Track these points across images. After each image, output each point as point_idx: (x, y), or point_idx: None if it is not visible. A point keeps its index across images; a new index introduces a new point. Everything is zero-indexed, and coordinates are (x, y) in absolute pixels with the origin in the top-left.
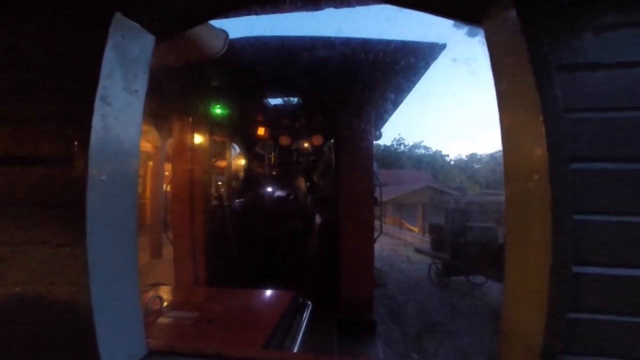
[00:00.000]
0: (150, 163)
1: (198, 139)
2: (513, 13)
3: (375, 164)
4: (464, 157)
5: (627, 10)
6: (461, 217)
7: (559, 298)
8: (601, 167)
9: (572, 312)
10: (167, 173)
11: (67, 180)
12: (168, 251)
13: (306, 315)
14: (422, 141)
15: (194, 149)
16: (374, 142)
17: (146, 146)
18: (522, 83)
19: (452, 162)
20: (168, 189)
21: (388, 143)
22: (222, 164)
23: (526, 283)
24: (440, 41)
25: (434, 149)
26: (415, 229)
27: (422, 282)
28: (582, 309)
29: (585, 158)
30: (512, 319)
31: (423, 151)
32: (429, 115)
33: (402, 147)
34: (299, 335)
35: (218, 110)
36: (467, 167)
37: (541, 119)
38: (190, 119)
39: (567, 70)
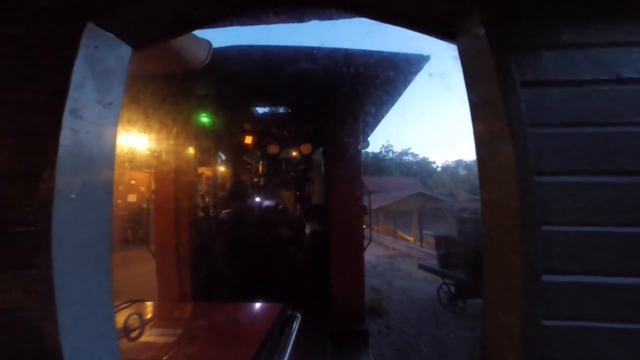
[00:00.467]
0: None
1: (182, 147)
2: (482, 29)
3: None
4: (450, 164)
5: (583, 30)
6: (474, 228)
7: (533, 306)
8: (564, 181)
9: (545, 319)
10: (133, 182)
11: (33, 199)
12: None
13: (295, 327)
14: (410, 148)
15: (178, 158)
16: (362, 150)
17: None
18: (491, 97)
19: (439, 169)
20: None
21: (377, 150)
22: (207, 172)
23: (503, 291)
24: (424, 53)
25: (421, 156)
26: (410, 238)
27: (430, 306)
28: (555, 317)
29: (549, 172)
30: (491, 326)
31: (411, 158)
32: (412, 124)
33: (390, 154)
34: (287, 349)
35: (204, 119)
36: (454, 173)
37: (509, 133)
38: (175, 128)
39: (530, 86)
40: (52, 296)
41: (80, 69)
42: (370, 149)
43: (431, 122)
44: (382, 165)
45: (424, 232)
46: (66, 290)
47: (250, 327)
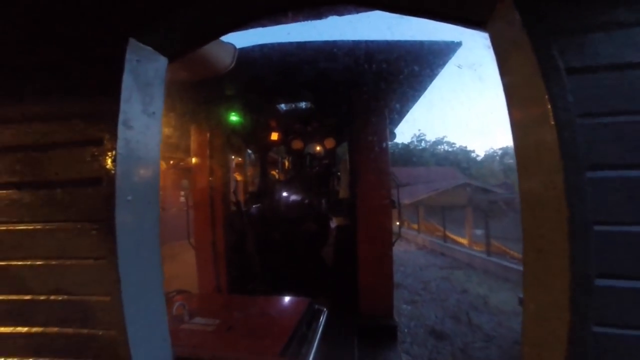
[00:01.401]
0: None
1: (216, 147)
2: (517, 15)
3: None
4: (496, 151)
5: (637, 5)
6: None
7: (582, 312)
8: (620, 175)
9: (596, 326)
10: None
11: (99, 200)
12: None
13: (322, 321)
14: (445, 136)
15: (212, 156)
16: (389, 142)
17: None
18: (531, 88)
19: (479, 158)
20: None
21: (407, 140)
22: (238, 176)
23: (547, 296)
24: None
25: (457, 145)
26: (464, 240)
27: None
28: (607, 324)
29: (603, 166)
30: (533, 334)
31: (446, 147)
32: (445, 112)
33: (423, 143)
34: (314, 342)
35: (233, 118)
36: (500, 162)
37: (554, 125)
38: (208, 129)
39: (579, 73)
40: (118, 284)
41: (127, 84)
42: (400, 140)
43: (466, 110)
44: (414, 155)
45: (476, 231)
46: (128, 280)
47: (280, 320)
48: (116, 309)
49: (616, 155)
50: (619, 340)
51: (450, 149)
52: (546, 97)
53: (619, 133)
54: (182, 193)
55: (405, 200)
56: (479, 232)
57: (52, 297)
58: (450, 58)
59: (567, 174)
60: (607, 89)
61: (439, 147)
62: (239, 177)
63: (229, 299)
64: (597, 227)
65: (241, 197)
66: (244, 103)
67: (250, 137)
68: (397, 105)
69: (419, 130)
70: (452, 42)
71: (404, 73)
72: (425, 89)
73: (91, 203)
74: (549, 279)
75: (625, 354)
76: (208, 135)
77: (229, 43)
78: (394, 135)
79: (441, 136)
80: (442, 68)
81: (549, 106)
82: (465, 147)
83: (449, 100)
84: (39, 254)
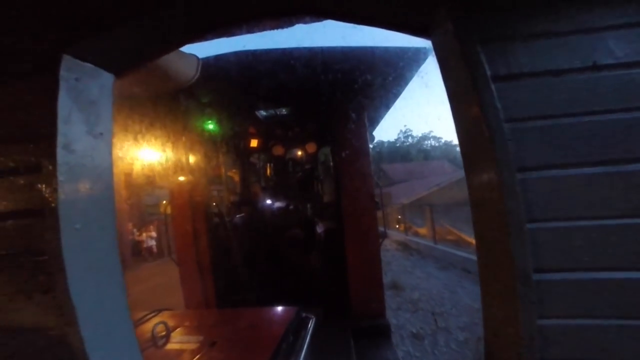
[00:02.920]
0: None
1: (193, 157)
2: (451, 25)
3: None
4: None
5: (555, 18)
6: None
7: (527, 306)
8: (546, 175)
9: (541, 318)
10: None
11: (42, 231)
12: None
13: (310, 330)
14: (431, 131)
15: (190, 167)
16: (371, 144)
17: None
18: (467, 94)
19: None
20: (167, 210)
21: (393, 137)
22: (219, 186)
23: (498, 293)
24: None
25: (444, 140)
26: None
27: None
28: (549, 316)
29: (530, 167)
30: (491, 327)
31: (434, 142)
32: (428, 109)
33: (410, 139)
34: (302, 352)
35: (210, 126)
36: None
37: (486, 130)
38: (183, 137)
39: (504, 80)
40: (74, 314)
41: (64, 103)
42: (385, 138)
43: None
44: (401, 152)
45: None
46: (86, 309)
47: (265, 332)
48: (75, 340)
49: (539, 157)
50: (562, 331)
51: (437, 144)
52: (478, 103)
53: (541, 136)
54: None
55: (403, 199)
56: None
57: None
58: (422, 63)
59: (501, 175)
60: (528, 95)
61: (426, 142)
62: (220, 187)
63: (213, 314)
64: (529, 225)
65: (223, 208)
66: (221, 110)
67: (229, 145)
68: (375, 108)
69: (405, 126)
70: (424, 48)
71: (379, 78)
72: (400, 92)
73: (33, 234)
74: (498, 274)
75: (569, 344)
76: (185, 145)
77: (191, 54)
78: (372, 138)
79: (427, 131)
80: (415, 72)
81: (481, 112)
82: (451, 141)
83: (434, 95)
84: None
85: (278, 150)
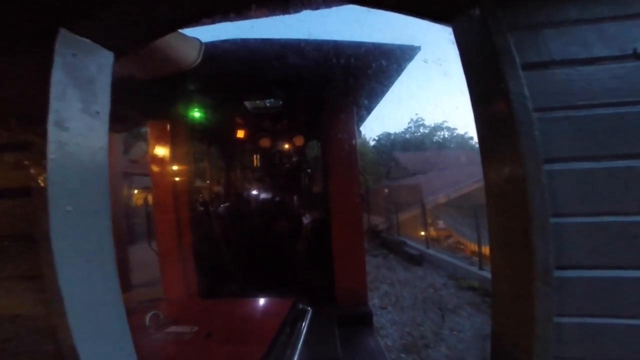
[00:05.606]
0: None
1: (179, 145)
2: (478, 11)
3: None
4: None
5: (590, 5)
6: None
7: (545, 303)
8: (575, 168)
9: (558, 316)
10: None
11: (30, 213)
12: None
13: (306, 321)
14: (445, 121)
15: (174, 155)
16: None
17: None
18: (492, 82)
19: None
20: (149, 198)
21: (402, 128)
22: (205, 176)
23: (513, 289)
24: (415, 43)
25: (459, 130)
26: None
27: None
28: (567, 314)
29: (558, 159)
30: (501, 324)
31: (447, 133)
32: (445, 96)
33: (421, 129)
34: (299, 344)
35: (196, 114)
36: None
37: (512, 120)
38: (168, 124)
39: (534, 68)
40: (61, 304)
41: (58, 79)
42: (393, 129)
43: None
44: (413, 143)
45: None
46: (75, 298)
47: (262, 323)
48: (62, 331)
49: (570, 149)
50: (580, 329)
51: (451, 135)
52: (505, 92)
53: (572, 126)
54: None
55: (440, 195)
56: None
57: None
58: (409, 62)
59: (526, 168)
60: (559, 84)
61: (439, 133)
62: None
63: (209, 304)
64: (553, 220)
65: (207, 197)
66: (209, 99)
67: (216, 135)
68: (363, 103)
69: (417, 114)
70: (412, 46)
71: (368, 74)
72: (387, 89)
73: (19, 216)
74: (514, 272)
75: (586, 343)
76: (169, 132)
77: (194, 37)
78: (359, 133)
79: (441, 121)
80: (401, 71)
81: (508, 101)
82: (466, 133)
83: (448, 84)
84: None
85: (265, 142)
